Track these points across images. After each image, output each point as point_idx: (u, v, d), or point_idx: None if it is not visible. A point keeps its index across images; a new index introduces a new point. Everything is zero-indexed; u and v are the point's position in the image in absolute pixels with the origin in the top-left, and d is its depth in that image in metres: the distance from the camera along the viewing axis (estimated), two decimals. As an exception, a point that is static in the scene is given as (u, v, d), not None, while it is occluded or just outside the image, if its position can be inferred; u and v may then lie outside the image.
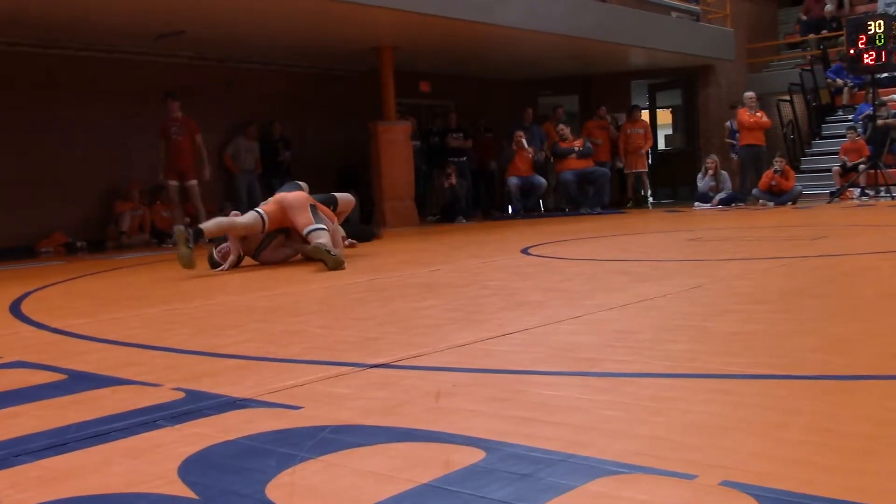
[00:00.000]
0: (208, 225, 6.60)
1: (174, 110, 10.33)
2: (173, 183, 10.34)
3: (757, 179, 13.24)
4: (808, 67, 16.47)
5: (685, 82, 16.54)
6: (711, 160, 13.60)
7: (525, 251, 6.89)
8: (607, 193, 14.12)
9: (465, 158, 14.06)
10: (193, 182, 10.40)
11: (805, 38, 18.09)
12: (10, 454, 1.89)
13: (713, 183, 13.46)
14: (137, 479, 1.69)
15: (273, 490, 1.58)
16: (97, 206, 11.00)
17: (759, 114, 13.45)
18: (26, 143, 10.39)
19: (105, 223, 10.96)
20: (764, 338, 2.84)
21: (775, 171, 12.84)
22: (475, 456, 1.71)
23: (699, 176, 13.76)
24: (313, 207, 6.72)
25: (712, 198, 13.25)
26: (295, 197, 6.78)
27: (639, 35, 13.52)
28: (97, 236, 10.82)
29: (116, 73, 11.22)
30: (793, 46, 18.70)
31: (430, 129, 13.98)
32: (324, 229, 6.54)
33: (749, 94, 13.75)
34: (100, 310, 4.65)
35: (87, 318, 4.19)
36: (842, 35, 15.52)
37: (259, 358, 2.91)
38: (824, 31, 17.56)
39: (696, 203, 13.45)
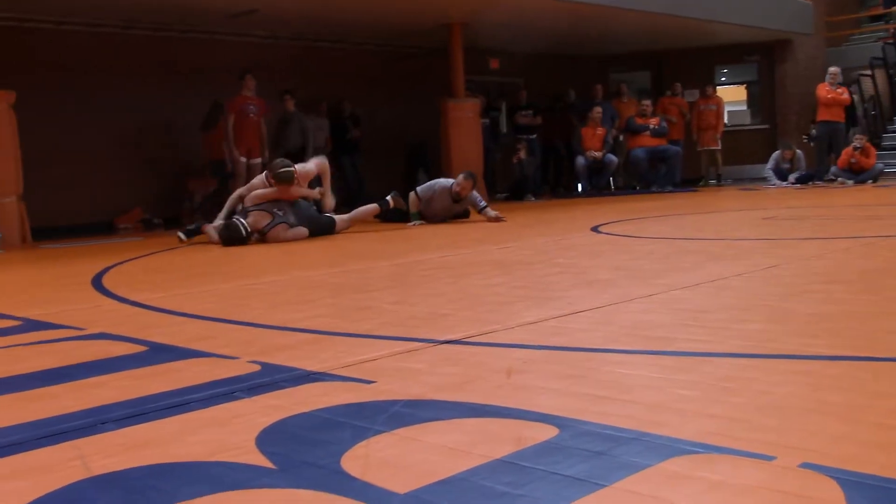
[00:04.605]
0: (213, 234, 7.42)
1: (252, 88, 10.45)
2: (243, 159, 10.48)
3: (835, 157, 12.86)
4: (891, 41, 15.89)
5: (764, 55, 16.10)
6: (789, 151, 13.20)
7: (595, 229, 6.82)
8: (679, 171, 13.88)
9: (534, 136, 13.96)
10: (258, 160, 10.52)
11: (888, 10, 17.45)
12: (96, 422, 1.95)
13: (787, 165, 13.12)
14: (216, 448, 1.73)
15: (348, 461, 1.60)
16: (173, 183, 11.26)
17: (839, 89, 13.04)
18: (106, 122, 10.67)
19: (180, 200, 11.21)
20: (844, 318, 2.77)
21: (855, 149, 12.46)
22: (548, 432, 1.70)
23: (773, 155, 13.41)
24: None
25: (788, 176, 12.92)
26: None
27: (714, 9, 13.19)
28: (173, 213, 11.08)
29: (192, 52, 11.43)
30: (875, 19, 18.06)
31: (490, 107, 13.81)
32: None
33: (833, 68, 13.30)
34: (177, 284, 4.77)
35: (166, 291, 4.30)
36: (928, 7, 14.93)
37: (332, 333, 2.95)
38: (909, 3, 16.92)
39: (773, 181, 13.13)
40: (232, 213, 7.43)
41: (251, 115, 10.42)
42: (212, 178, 10.88)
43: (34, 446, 1.80)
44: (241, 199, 7.46)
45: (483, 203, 8.47)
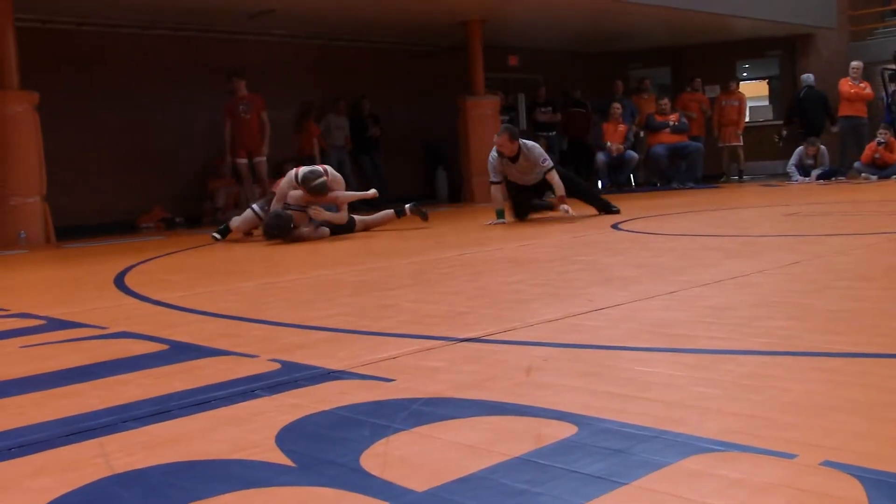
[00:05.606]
0: (236, 221, 7.84)
1: (240, 89, 10.46)
2: (243, 161, 10.48)
3: (858, 152, 12.72)
4: (916, 34, 15.69)
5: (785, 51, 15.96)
6: (813, 147, 13.06)
7: (615, 226, 6.80)
8: (700, 168, 13.80)
9: (553, 133, 13.91)
10: (261, 159, 10.52)
11: (913, 3, 17.22)
12: (118, 420, 1.97)
13: (811, 161, 12.99)
14: (237, 446, 1.74)
15: (367, 459, 1.61)
16: (193, 183, 11.33)
17: (862, 84, 12.90)
18: (126, 122, 10.75)
19: (201, 199, 11.27)
20: (867, 315, 2.74)
21: (879, 143, 12.32)
22: (567, 430, 1.70)
23: (796, 151, 13.29)
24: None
25: (811, 172, 12.80)
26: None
27: (735, 3, 13.09)
28: (194, 212, 11.14)
29: (212, 52, 11.49)
30: (899, 12, 17.83)
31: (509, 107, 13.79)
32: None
33: (855, 63, 13.17)
34: (198, 283, 4.81)
35: (187, 290, 4.33)
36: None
37: (351, 331, 2.96)
38: (934, -4, 16.69)
39: (795, 178, 13.00)
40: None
41: (243, 114, 10.40)
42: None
43: (59, 444, 1.82)
44: (284, 196, 7.43)
45: (549, 163, 7.72)
